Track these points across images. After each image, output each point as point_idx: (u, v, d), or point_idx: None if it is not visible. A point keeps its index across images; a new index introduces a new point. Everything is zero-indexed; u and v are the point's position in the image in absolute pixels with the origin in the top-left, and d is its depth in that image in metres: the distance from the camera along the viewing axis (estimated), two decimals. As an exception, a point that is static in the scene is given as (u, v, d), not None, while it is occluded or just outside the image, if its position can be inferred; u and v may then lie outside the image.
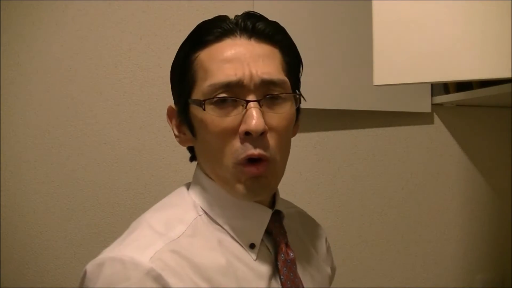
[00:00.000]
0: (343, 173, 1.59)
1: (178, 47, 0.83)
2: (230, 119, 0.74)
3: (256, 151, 0.73)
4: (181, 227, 0.76)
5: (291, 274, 0.80)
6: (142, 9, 1.47)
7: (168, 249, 0.72)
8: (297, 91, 0.82)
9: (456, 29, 0.81)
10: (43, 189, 1.43)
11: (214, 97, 0.74)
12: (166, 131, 1.39)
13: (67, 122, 1.45)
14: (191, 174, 0.86)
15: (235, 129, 0.74)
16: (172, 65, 0.83)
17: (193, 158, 0.86)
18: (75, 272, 1.43)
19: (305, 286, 0.82)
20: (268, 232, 0.81)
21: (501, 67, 0.75)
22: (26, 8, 1.42)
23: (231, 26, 0.78)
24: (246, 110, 0.73)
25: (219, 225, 0.79)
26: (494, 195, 1.67)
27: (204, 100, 0.74)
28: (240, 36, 0.77)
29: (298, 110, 0.82)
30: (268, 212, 0.80)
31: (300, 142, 1.55)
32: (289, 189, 1.52)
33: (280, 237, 0.81)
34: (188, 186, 0.85)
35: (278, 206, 0.83)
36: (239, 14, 0.83)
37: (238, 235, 0.78)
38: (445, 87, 1.63)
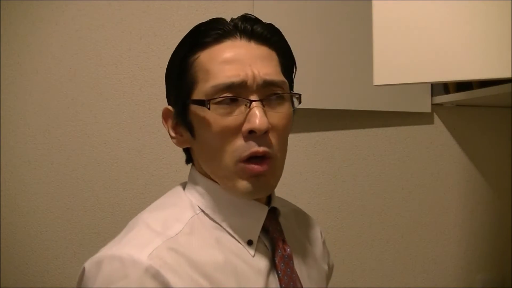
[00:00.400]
0: (343, 173, 1.59)
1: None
2: (233, 118, 0.75)
3: (261, 149, 0.75)
4: (178, 225, 0.77)
5: (288, 269, 0.81)
6: (142, 9, 1.47)
7: (166, 246, 0.73)
8: (291, 92, 0.84)
9: (456, 29, 0.81)
10: (43, 189, 1.43)
11: (219, 97, 0.75)
12: (166, 131, 1.39)
13: (67, 122, 1.45)
14: (191, 174, 0.86)
15: (238, 128, 0.75)
16: (168, 67, 0.84)
17: (189, 160, 0.86)
18: (75, 272, 1.43)
19: (302, 282, 0.83)
20: (265, 229, 0.82)
21: (501, 67, 0.75)
22: (26, 8, 1.42)
23: (230, 28, 0.79)
24: (250, 110, 0.75)
25: (217, 223, 0.80)
26: (494, 195, 1.67)
27: (209, 100, 0.75)
28: (240, 38, 0.79)
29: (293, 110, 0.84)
30: (265, 209, 0.82)
31: (300, 142, 1.55)
32: (289, 189, 1.52)
33: (276, 234, 0.82)
34: (183, 186, 0.86)
35: (274, 204, 0.84)
36: (238, 15, 0.83)
37: (236, 232, 0.79)
38: (445, 87, 1.63)
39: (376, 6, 0.90)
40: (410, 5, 0.86)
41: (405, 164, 1.63)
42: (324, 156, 1.58)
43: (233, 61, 0.76)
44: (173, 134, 0.83)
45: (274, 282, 0.80)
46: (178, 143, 0.83)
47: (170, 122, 0.83)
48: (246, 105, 0.75)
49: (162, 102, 0.86)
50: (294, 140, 1.54)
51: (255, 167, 0.75)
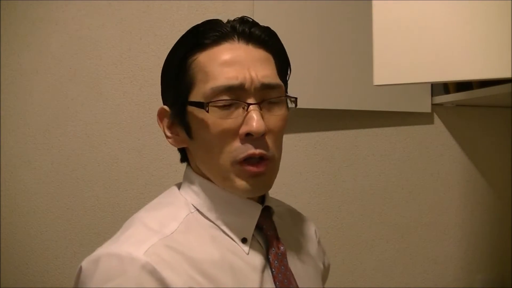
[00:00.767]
0: (343, 173, 1.59)
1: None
2: (231, 121, 0.77)
3: (257, 151, 0.77)
4: (174, 224, 0.78)
5: (282, 267, 0.82)
6: (142, 9, 1.47)
7: (162, 244, 0.74)
8: (288, 95, 0.85)
9: (456, 29, 0.81)
10: (43, 189, 1.43)
11: (218, 100, 0.76)
12: (166, 131, 1.39)
13: (67, 122, 1.45)
14: (191, 174, 0.86)
15: (236, 130, 0.77)
16: (164, 67, 0.84)
17: (184, 159, 0.87)
18: (75, 272, 1.43)
19: (297, 279, 0.84)
20: (259, 228, 0.83)
21: (501, 67, 0.75)
22: (26, 8, 1.42)
23: (228, 30, 0.80)
24: (247, 113, 0.76)
25: (211, 221, 0.81)
26: (494, 195, 1.67)
27: (208, 103, 0.76)
28: (238, 41, 0.79)
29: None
30: (258, 208, 0.83)
31: (300, 142, 1.55)
32: (289, 189, 1.52)
33: (270, 232, 0.83)
34: (178, 186, 0.87)
35: (268, 202, 0.85)
36: (238, 15, 0.84)
37: (230, 230, 0.80)
38: (445, 87, 1.63)
39: (376, 6, 0.90)
40: (410, 5, 0.86)
41: (405, 164, 1.63)
42: (324, 156, 1.58)
43: (232, 63, 0.77)
44: (168, 134, 0.83)
45: (268, 280, 0.80)
46: (174, 143, 0.84)
47: (165, 121, 0.83)
48: (243, 108, 0.76)
49: (161, 102, 0.86)
50: (294, 140, 1.54)
51: (252, 169, 0.77)
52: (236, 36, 0.79)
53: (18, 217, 1.42)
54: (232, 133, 0.77)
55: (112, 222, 1.46)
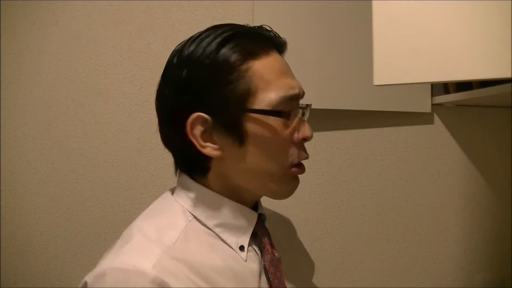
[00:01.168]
0: (343, 173, 1.59)
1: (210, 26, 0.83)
2: (291, 128, 0.81)
3: (307, 155, 0.83)
4: (174, 233, 0.77)
5: (278, 273, 0.83)
6: (142, 9, 1.47)
7: (167, 255, 0.74)
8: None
9: (456, 29, 0.81)
10: (43, 189, 1.43)
11: (292, 108, 0.80)
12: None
13: (67, 122, 1.45)
14: (191, 174, 0.86)
15: (293, 136, 0.81)
16: (198, 73, 0.77)
17: (204, 169, 0.82)
18: (75, 272, 1.43)
19: (291, 284, 0.85)
20: (254, 234, 0.83)
21: (501, 67, 0.75)
22: (26, 8, 1.42)
23: (270, 39, 0.82)
24: (301, 120, 0.82)
25: (210, 228, 0.80)
26: (494, 195, 1.67)
27: (289, 111, 0.80)
28: (277, 51, 0.83)
29: None
30: (255, 215, 0.84)
31: (300, 142, 1.55)
32: (289, 189, 1.52)
33: (265, 239, 0.84)
34: (172, 191, 0.86)
35: (261, 209, 0.87)
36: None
37: (228, 238, 0.81)
38: (445, 87, 1.63)
39: (376, 6, 0.90)
40: (410, 5, 0.86)
41: (405, 164, 1.63)
42: (324, 156, 1.58)
43: (286, 73, 0.81)
44: (202, 143, 0.78)
45: (264, 286, 0.81)
46: (211, 152, 0.78)
47: (198, 129, 0.78)
48: (300, 115, 0.81)
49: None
50: (294, 140, 1.54)
51: (298, 171, 0.82)
52: (273, 46, 0.82)
53: (18, 217, 1.42)
54: (291, 139, 0.80)
55: (112, 222, 1.46)
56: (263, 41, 0.81)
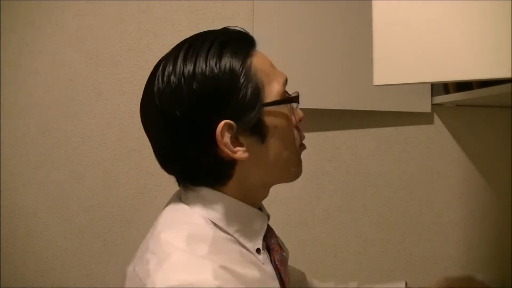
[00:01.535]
0: (343, 173, 1.59)
1: (189, 36, 0.84)
2: (293, 112, 0.86)
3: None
4: (205, 244, 0.76)
5: (287, 272, 0.85)
6: (142, 9, 1.47)
7: (216, 265, 0.72)
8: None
9: (456, 29, 0.81)
10: (43, 189, 1.43)
11: (295, 94, 0.85)
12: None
13: (67, 122, 1.45)
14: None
15: (294, 119, 0.86)
16: (217, 85, 0.78)
17: (226, 177, 0.82)
18: (75, 272, 1.44)
19: (292, 283, 0.88)
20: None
21: (501, 67, 0.75)
22: (26, 8, 1.42)
23: (248, 36, 0.86)
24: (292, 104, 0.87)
25: (230, 234, 0.81)
26: (494, 195, 1.67)
27: (297, 96, 0.85)
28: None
29: None
30: (265, 217, 0.85)
31: (300, 142, 1.55)
32: (289, 189, 1.52)
33: (273, 239, 0.86)
34: (178, 198, 0.86)
35: (264, 210, 0.89)
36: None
37: (246, 242, 0.81)
38: (445, 87, 1.63)
39: (376, 6, 0.90)
40: (410, 5, 0.86)
41: (405, 164, 1.63)
42: (324, 156, 1.58)
43: (272, 63, 0.86)
44: (233, 149, 0.78)
45: (279, 286, 0.83)
46: (242, 155, 0.79)
47: (227, 137, 0.77)
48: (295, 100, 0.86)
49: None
50: (294, 140, 1.54)
51: (304, 148, 0.89)
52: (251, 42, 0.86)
53: (18, 217, 1.43)
54: (294, 123, 0.86)
55: (112, 222, 1.46)
56: (246, 39, 0.84)
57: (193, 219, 0.80)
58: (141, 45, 1.47)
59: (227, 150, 0.77)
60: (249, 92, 0.79)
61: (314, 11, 1.50)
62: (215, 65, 0.78)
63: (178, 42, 0.84)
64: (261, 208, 0.88)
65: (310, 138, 1.57)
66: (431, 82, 1.53)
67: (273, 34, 1.43)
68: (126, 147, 1.47)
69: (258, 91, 0.79)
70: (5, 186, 1.42)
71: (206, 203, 0.81)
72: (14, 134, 1.42)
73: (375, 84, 0.91)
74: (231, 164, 0.80)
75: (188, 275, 0.70)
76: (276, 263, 0.83)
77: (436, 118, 1.65)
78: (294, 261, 1.00)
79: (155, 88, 0.84)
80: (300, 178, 0.86)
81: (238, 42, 0.81)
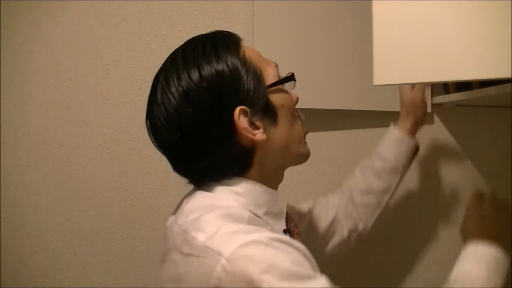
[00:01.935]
0: (343, 173, 1.59)
1: (177, 47, 0.89)
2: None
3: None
4: (244, 223, 0.80)
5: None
6: (142, 9, 1.47)
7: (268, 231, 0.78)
8: None
9: (456, 29, 0.81)
10: (43, 189, 1.43)
11: (290, 74, 0.92)
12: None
13: (67, 122, 1.45)
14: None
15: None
16: (226, 80, 0.84)
17: (248, 165, 0.88)
18: (75, 272, 1.44)
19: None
20: None
21: (501, 67, 0.75)
22: (26, 8, 1.42)
23: (229, 32, 0.93)
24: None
25: (259, 217, 0.85)
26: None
27: (292, 75, 0.91)
28: None
29: None
30: (283, 200, 0.93)
31: (300, 142, 1.55)
32: (289, 189, 1.51)
33: (293, 222, 0.95)
34: (195, 191, 0.89)
35: None
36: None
37: (274, 223, 0.87)
38: (445, 87, 1.63)
39: (376, 6, 0.90)
40: (410, 5, 0.86)
41: (405, 164, 1.63)
42: (324, 156, 1.57)
43: (259, 54, 0.93)
44: (253, 131, 0.85)
45: None
46: (262, 136, 0.86)
47: (245, 121, 0.84)
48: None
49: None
50: (294, 140, 1.54)
51: (307, 129, 0.98)
52: None
53: (18, 217, 1.42)
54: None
55: (112, 222, 1.46)
56: (231, 35, 0.90)
57: (226, 202, 0.84)
58: (141, 45, 1.47)
59: (247, 134, 0.84)
60: (251, 78, 0.86)
61: (314, 11, 1.50)
62: (216, 62, 0.84)
63: (178, 42, 0.85)
64: None
65: (310, 138, 1.56)
66: (431, 82, 1.53)
67: (273, 34, 1.43)
68: (126, 147, 1.47)
69: (258, 76, 0.87)
70: (5, 186, 1.42)
71: (232, 190, 0.85)
72: (14, 134, 1.42)
73: (375, 84, 0.91)
74: (251, 151, 0.86)
75: (250, 233, 0.75)
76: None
77: (436, 118, 1.64)
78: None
79: (165, 100, 0.86)
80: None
81: (226, 39, 0.89)
